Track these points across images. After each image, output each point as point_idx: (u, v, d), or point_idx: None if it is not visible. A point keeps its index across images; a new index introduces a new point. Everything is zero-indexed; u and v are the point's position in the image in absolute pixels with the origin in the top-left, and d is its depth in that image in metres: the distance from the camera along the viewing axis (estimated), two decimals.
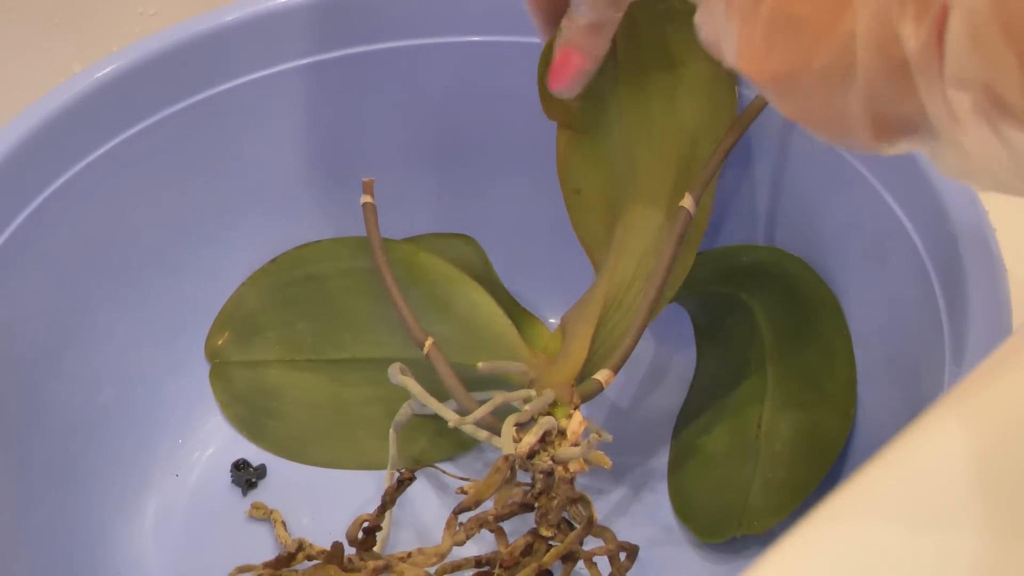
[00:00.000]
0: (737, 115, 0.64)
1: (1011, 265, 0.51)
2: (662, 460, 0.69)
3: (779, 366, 0.66)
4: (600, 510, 0.66)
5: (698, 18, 0.41)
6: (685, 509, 0.66)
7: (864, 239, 0.61)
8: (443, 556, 0.53)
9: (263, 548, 0.66)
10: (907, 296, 0.57)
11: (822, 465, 0.62)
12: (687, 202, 0.61)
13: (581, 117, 0.66)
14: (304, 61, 0.68)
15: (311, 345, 0.72)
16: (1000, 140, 0.32)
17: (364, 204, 0.67)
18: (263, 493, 0.69)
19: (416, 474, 0.64)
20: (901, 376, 0.58)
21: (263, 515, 0.67)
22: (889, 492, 0.35)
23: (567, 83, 0.59)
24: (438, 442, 0.70)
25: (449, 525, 0.53)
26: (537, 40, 0.66)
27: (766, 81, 0.37)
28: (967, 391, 0.38)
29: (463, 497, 0.55)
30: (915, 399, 0.55)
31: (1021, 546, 0.33)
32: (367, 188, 0.68)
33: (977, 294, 0.50)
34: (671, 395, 0.72)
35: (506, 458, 0.54)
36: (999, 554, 0.33)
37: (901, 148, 0.36)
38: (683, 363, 0.73)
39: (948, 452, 0.35)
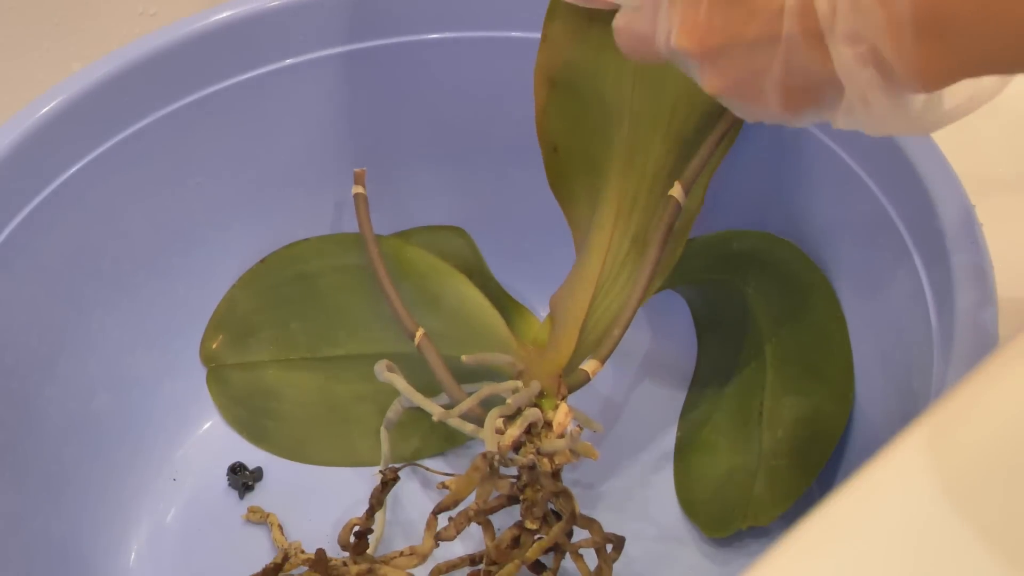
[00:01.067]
0: None
1: (997, 259, 0.51)
2: (657, 453, 0.69)
3: (777, 352, 0.66)
4: (597, 505, 0.66)
5: (620, 20, 0.46)
6: (691, 505, 0.66)
7: (854, 232, 0.61)
8: (425, 556, 0.53)
9: (260, 551, 0.66)
10: (896, 290, 0.57)
11: (823, 451, 0.62)
12: (676, 191, 0.61)
13: (571, 75, 0.65)
14: (296, 60, 0.68)
15: (305, 344, 0.72)
16: (886, 89, 0.38)
17: (356, 195, 0.67)
18: (260, 496, 0.69)
19: (407, 473, 0.64)
20: (892, 369, 0.58)
21: (260, 518, 0.67)
22: (889, 495, 0.35)
23: None
24: (431, 438, 0.70)
25: (429, 526, 0.53)
26: (526, 36, 0.66)
27: (704, 53, 0.42)
28: (965, 394, 0.38)
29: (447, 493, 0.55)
30: (907, 392, 0.55)
31: (1019, 547, 0.33)
32: (358, 178, 0.68)
33: (964, 288, 0.50)
34: (670, 388, 0.72)
35: (484, 456, 0.54)
36: (997, 554, 0.33)
37: (805, 118, 0.42)
38: (683, 355, 0.72)
39: (948, 454, 0.35)
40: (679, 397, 0.71)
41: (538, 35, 0.63)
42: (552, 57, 0.63)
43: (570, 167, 0.65)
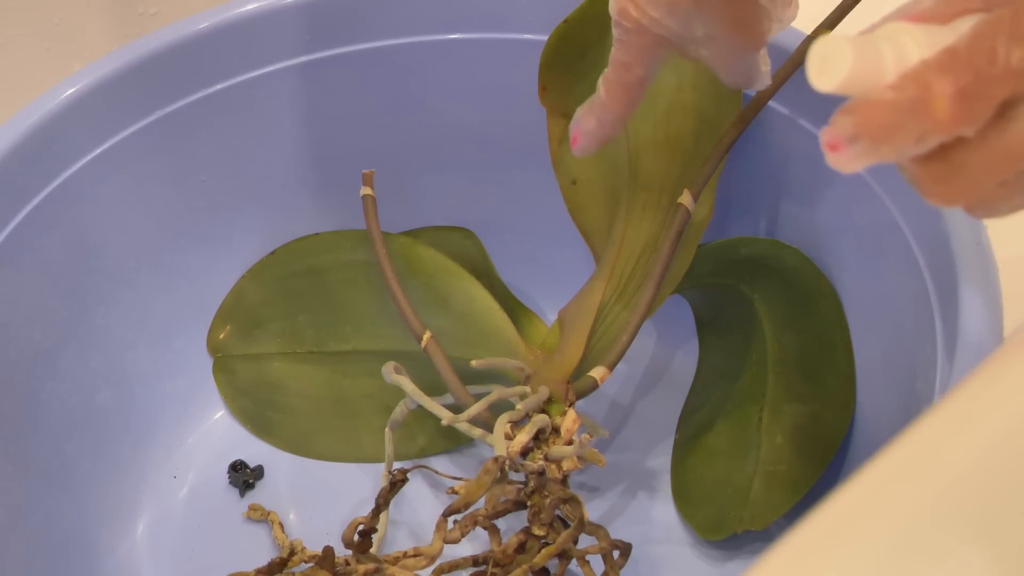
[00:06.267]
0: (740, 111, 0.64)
1: (1002, 262, 0.51)
2: (661, 458, 0.69)
3: (779, 359, 0.66)
4: (598, 508, 0.66)
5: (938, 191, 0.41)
6: (687, 507, 0.66)
7: (859, 236, 0.61)
8: (434, 558, 0.53)
9: (261, 549, 0.66)
10: (901, 293, 0.57)
11: (822, 459, 0.62)
12: (685, 199, 0.61)
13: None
14: (300, 59, 0.68)
15: (312, 337, 0.72)
16: None
17: (364, 196, 0.67)
18: (261, 494, 0.69)
19: (411, 474, 0.64)
20: (895, 372, 0.58)
21: (261, 516, 0.67)
22: (889, 495, 0.34)
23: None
24: (436, 438, 0.70)
25: (439, 527, 0.53)
26: (531, 37, 0.66)
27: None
28: (966, 393, 0.38)
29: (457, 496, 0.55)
30: (909, 395, 0.55)
31: (1019, 550, 0.33)
32: (367, 180, 0.68)
33: (969, 292, 0.50)
34: (672, 392, 0.72)
35: (495, 459, 0.54)
36: (999, 555, 0.33)
37: None
38: (685, 359, 0.72)
39: (948, 455, 0.35)
40: (680, 400, 0.71)
41: (546, 37, 0.64)
42: (555, 99, 0.63)
43: (590, 199, 0.66)
